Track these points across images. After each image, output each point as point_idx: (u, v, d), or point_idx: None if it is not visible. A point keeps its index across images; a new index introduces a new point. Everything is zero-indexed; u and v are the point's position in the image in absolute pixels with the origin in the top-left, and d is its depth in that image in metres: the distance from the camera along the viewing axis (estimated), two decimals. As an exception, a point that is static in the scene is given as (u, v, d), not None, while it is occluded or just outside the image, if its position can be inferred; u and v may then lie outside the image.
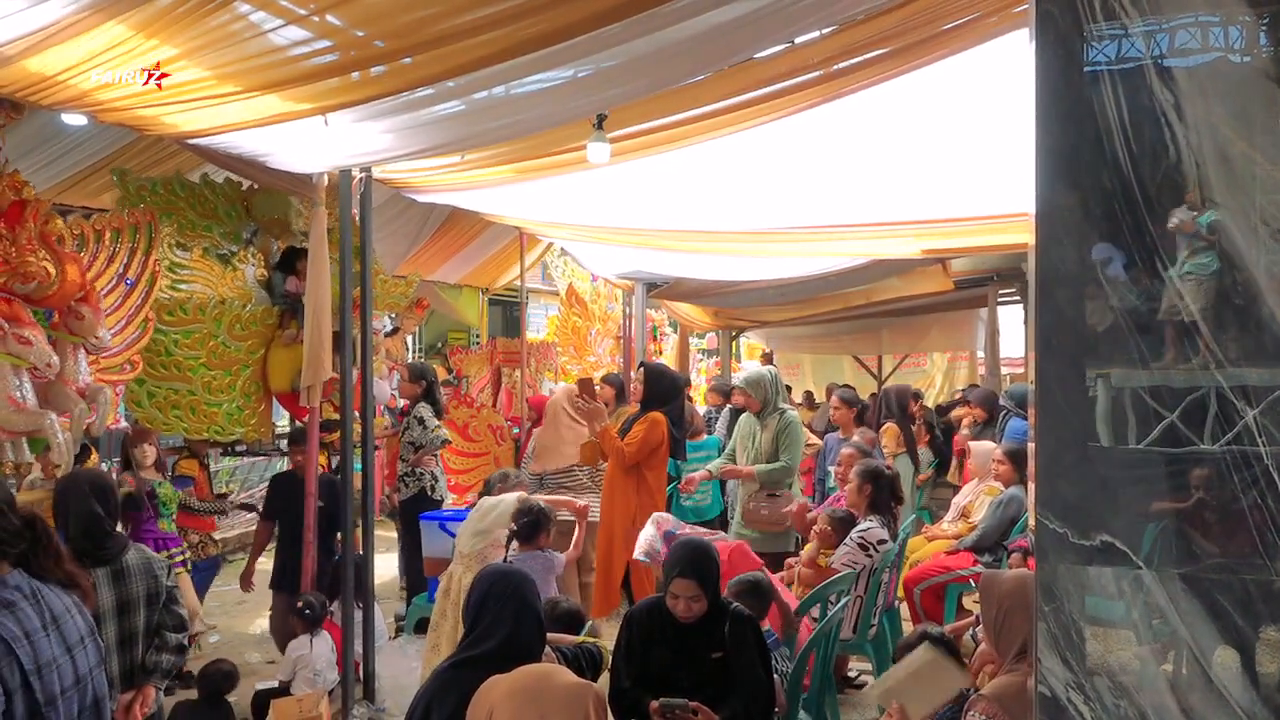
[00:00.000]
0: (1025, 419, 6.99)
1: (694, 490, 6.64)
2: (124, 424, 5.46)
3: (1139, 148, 1.65)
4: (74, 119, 4.51)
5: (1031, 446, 1.77)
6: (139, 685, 3.32)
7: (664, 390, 5.95)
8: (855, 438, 7.45)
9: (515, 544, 4.72)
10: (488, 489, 5.26)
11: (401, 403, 7.38)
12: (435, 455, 6.77)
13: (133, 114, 3.73)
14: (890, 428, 8.47)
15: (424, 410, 6.71)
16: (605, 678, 3.52)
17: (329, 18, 3.19)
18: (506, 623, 2.91)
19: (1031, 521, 1.79)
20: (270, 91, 3.58)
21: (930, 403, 11.56)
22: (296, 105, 3.73)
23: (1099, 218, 1.68)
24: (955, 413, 9.10)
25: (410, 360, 10.72)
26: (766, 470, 5.91)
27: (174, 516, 5.56)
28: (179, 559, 5.42)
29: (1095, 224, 1.69)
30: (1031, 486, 1.78)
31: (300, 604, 4.81)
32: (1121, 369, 1.69)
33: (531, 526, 4.69)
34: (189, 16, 3.01)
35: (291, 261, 5.19)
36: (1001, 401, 7.91)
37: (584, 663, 3.30)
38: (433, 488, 6.66)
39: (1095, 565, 1.70)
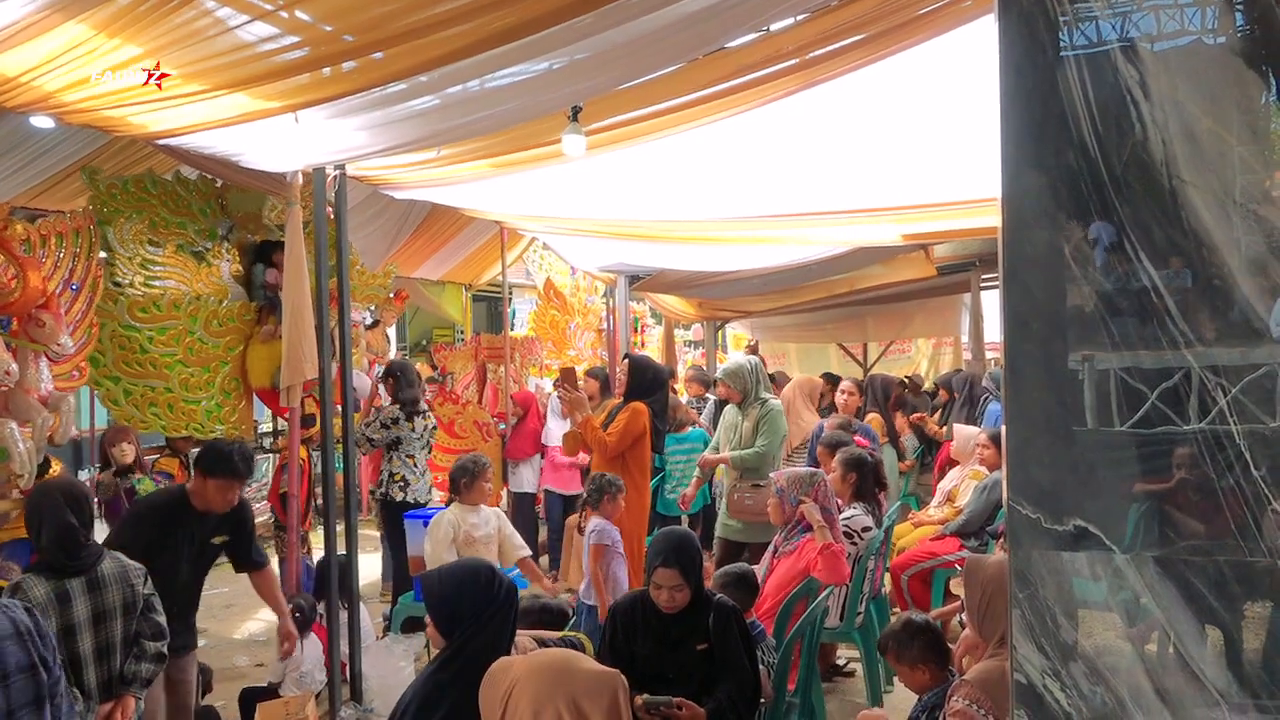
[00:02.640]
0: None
1: (688, 507, 6.63)
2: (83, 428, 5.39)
3: (1104, 126, 1.64)
4: (41, 121, 4.45)
5: (1004, 431, 1.76)
6: (118, 695, 3.28)
7: (648, 382, 5.93)
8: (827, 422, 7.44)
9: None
10: (465, 475, 5.16)
11: (386, 399, 7.29)
12: (411, 457, 6.50)
13: (99, 115, 3.69)
14: (875, 417, 8.50)
15: (386, 413, 6.48)
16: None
17: (297, 13, 3.16)
18: (466, 615, 2.85)
19: (1004, 506, 1.78)
20: (238, 89, 3.54)
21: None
22: (266, 103, 3.69)
23: (1066, 198, 1.67)
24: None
25: (395, 355, 10.68)
26: (740, 456, 5.91)
27: None
28: None
29: (1062, 205, 1.68)
30: (1004, 471, 1.77)
31: (290, 607, 4.78)
32: (1092, 351, 1.68)
33: (597, 493, 5.05)
34: (151, 14, 2.97)
35: (268, 254, 5.14)
36: (985, 383, 7.94)
37: (568, 656, 3.28)
38: (403, 488, 6.38)
39: (1069, 550, 1.69)
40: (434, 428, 6.74)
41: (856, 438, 6.29)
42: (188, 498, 3.97)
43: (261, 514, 9.77)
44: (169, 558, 3.86)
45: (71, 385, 4.30)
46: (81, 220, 4.33)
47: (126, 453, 5.63)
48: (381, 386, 7.22)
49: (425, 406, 6.75)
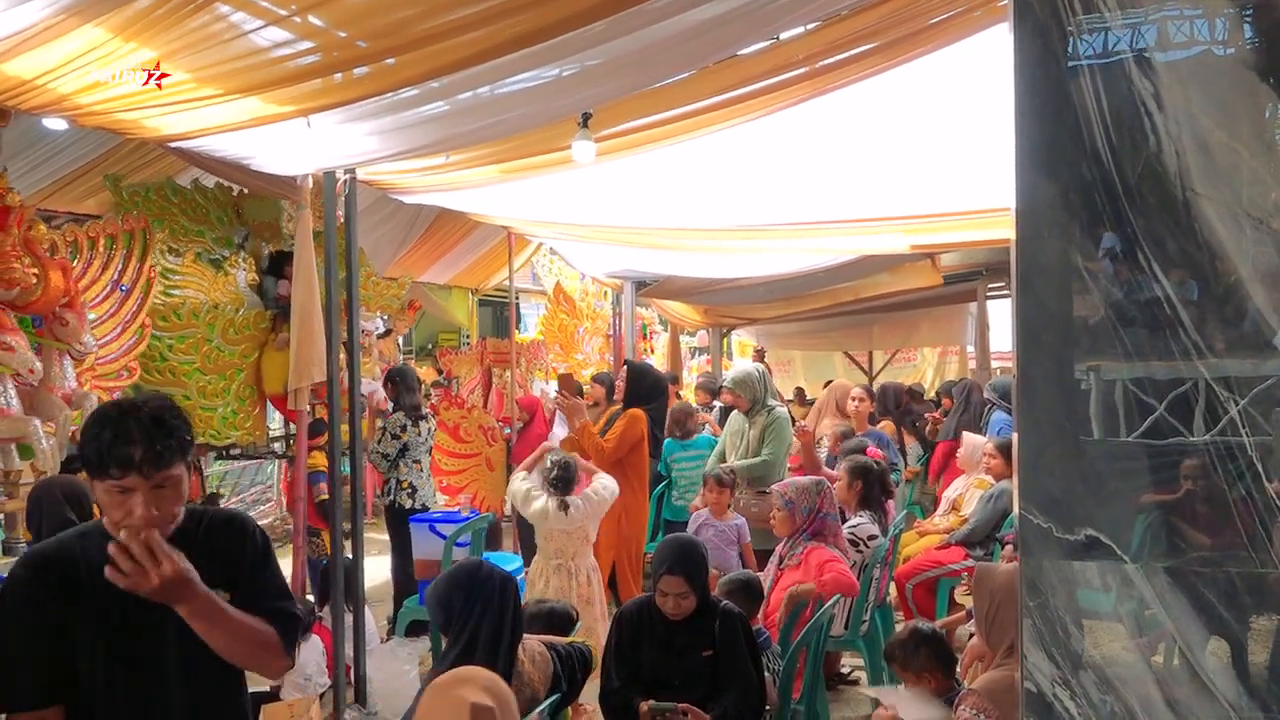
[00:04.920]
0: (1007, 412, 7.01)
1: None
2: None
3: (1119, 138, 1.65)
4: (54, 123, 4.48)
5: (1015, 440, 1.77)
6: None
7: (646, 389, 5.95)
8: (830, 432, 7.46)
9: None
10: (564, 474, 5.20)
11: (390, 404, 7.28)
12: (417, 462, 6.46)
13: (113, 118, 3.70)
14: (888, 425, 8.55)
15: (393, 424, 6.40)
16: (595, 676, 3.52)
17: (311, 18, 3.17)
18: (459, 609, 2.94)
19: (1015, 516, 1.79)
20: (252, 94, 3.56)
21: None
22: (279, 108, 3.71)
23: (1079, 209, 1.68)
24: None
25: (401, 362, 10.68)
26: (747, 466, 5.91)
27: None
28: None
29: (1076, 215, 1.69)
30: (1015, 480, 1.78)
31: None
32: (1105, 361, 1.69)
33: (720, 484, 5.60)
34: (168, 18, 2.98)
35: (281, 265, 5.15)
36: (986, 394, 7.94)
37: (576, 662, 3.29)
38: (411, 495, 6.33)
39: (1080, 560, 1.69)
40: (434, 429, 6.74)
41: (870, 449, 6.29)
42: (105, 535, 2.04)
43: (266, 516, 9.80)
44: (97, 649, 2.06)
45: (121, 384, 4.34)
46: (134, 222, 4.39)
47: None
48: (382, 392, 7.21)
49: (427, 411, 6.74)
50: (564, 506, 5.07)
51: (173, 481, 2.04)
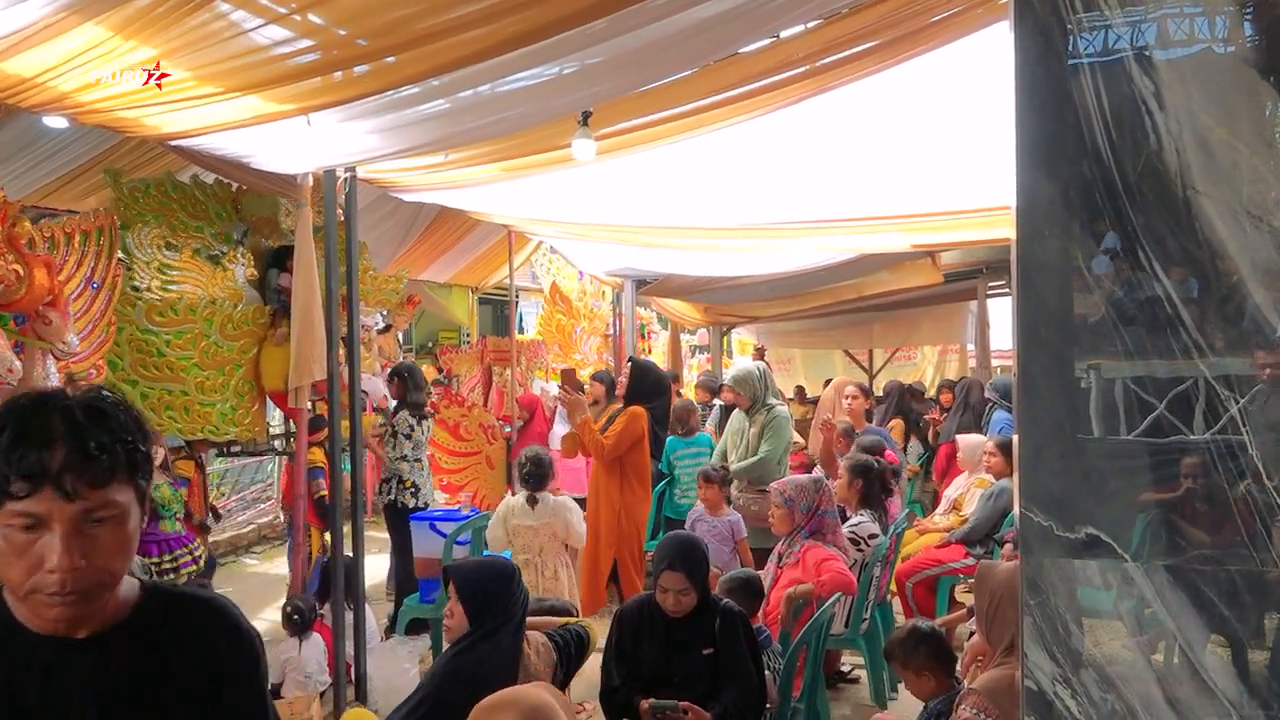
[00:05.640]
0: (1008, 411, 7.03)
1: None
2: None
3: (1119, 136, 1.65)
4: (54, 121, 4.48)
5: (1016, 439, 1.77)
6: None
7: (648, 387, 5.95)
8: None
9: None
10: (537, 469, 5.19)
11: (392, 402, 7.28)
12: (418, 461, 6.45)
13: (114, 116, 3.71)
14: (897, 424, 8.58)
15: (401, 424, 6.37)
16: (593, 664, 3.52)
17: (310, 16, 3.18)
18: (496, 605, 3.03)
19: (1016, 514, 1.79)
20: (252, 92, 3.57)
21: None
22: (279, 106, 3.71)
23: (1080, 207, 1.68)
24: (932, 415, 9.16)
25: (402, 358, 10.68)
26: (744, 468, 5.90)
27: (178, 516, 5.39)
28: (185, 559, 5.31)
29: (1076, 213, 1.69)
30: (1016, 479, 1.78)
31: (288, 609, 4.78)
32: (1105, 360, 1.69)
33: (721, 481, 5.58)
34: (168, 16, 2.99)
35: (283, 259, 5.16)
36: (987, 394, 7.94)
37: (573, 648, 3.30)
38: (414, 494, 6.32)
39: (1080, 558, 1.69)
40: (432, 427, 6.74)
41: (887, 452, 6.29)
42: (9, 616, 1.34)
43: (265, 515, 9.78)
44: None
45: (89, 383, 4.31)
46: (104, 219, 4.38)
47: (156, 455, 5.62)
48: (386, 388, 7.21)
49: (428, 409, 6.73)
50: (532, 501, 5.09)
51: (116, 514, 1.26)
